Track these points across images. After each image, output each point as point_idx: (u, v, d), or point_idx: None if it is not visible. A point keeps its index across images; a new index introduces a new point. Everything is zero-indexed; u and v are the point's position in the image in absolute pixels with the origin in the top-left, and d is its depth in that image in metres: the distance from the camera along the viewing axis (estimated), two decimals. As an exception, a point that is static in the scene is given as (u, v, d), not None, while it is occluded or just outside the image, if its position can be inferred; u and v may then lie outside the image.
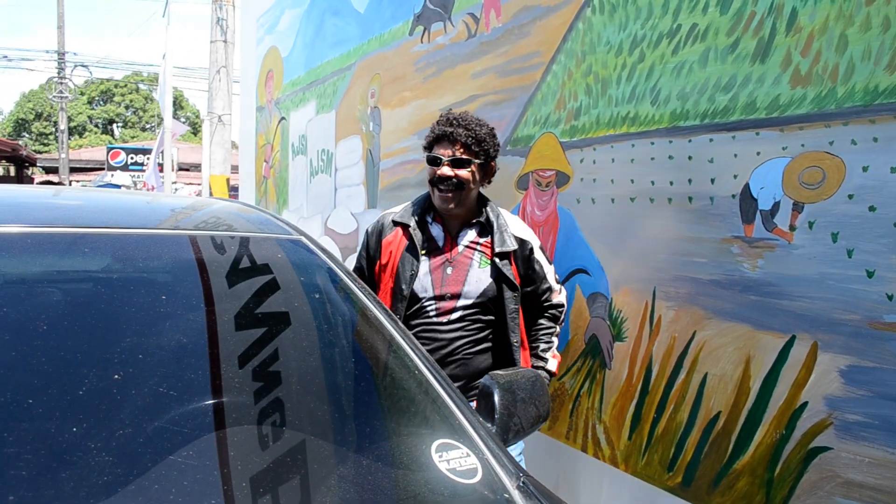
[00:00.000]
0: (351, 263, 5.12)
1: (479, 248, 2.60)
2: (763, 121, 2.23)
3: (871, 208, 1.95)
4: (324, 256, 1.91)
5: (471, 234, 2.62)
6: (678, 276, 2.52)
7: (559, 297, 2.72)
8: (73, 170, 28.93)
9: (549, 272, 2.70)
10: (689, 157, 2.48)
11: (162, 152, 13.63)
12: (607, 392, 2.85)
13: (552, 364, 2.70)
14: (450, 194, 2.54)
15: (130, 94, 48.68)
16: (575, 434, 3.00)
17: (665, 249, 2.56)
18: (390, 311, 1.79)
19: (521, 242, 2.61)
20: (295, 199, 6.09)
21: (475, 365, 2.59)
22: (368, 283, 2.68)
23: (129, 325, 1.51)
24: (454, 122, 2.57)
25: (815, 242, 2.09)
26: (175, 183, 21.28)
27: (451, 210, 2.57)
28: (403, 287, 2.56)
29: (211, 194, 11.50)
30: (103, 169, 26.32)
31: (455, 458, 1.41)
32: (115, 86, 48.35)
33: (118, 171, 24.24)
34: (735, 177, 2.32)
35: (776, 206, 2.20)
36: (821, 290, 2.07)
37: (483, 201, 2.67)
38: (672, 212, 2.55)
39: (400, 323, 1.76)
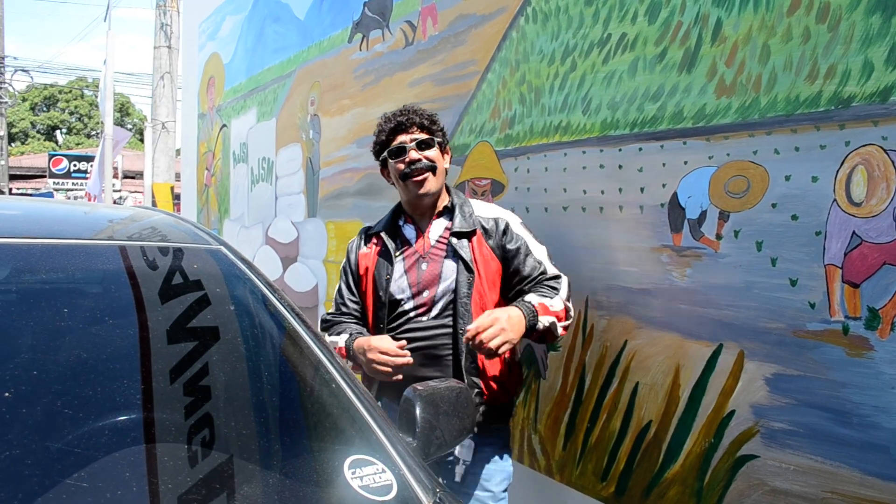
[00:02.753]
0: (293, 273, 5.07)
1: (448, 238, 2.45)
2: (690, 130, 2.24)
3: (794, 217, 1.97)
4: (243, 266, 1.85)
5: (440, 225, 2.48)
6: (610, 285, 2.52)
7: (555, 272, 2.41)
8: (13, 177, 28.14)
9: (539, 250, 2.43)
10: (620, 167, 2.48)
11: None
12: (542, 402, 2.83)
13: (542, 322, 2.25)
14: (424, 176, 2.41)
15: (75, 100, 47.62)
16: (511, 444, 2.97)
17: (597, 259, 2.56)
18: (308, 322, 1.74)
19: (495, 221, 2.43)
20: (236, 208, 5.99)
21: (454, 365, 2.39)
22: (360, 301, 2.58)
23: (27, 338, 1.44)
24: (401, 112, 2.48)
25: (741, 251, 2.10)
26: (119, 191, 20.85)
27: (428, 197, 2.44)
28: (381, 293, 2.46)
29: (154, 203, 11.28)
30: (45, 176, 25.70)
31: (369, 473, 1.36)
32: (59, 91, 47.27)
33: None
34: (663, 186, 2.32)
35: (703, 214, 2.21)
36: (746, 299, 2.08)
37: (447, 189, 2.55)
38: (603, 221, 2.55)
39: (319, 334, 1.71)
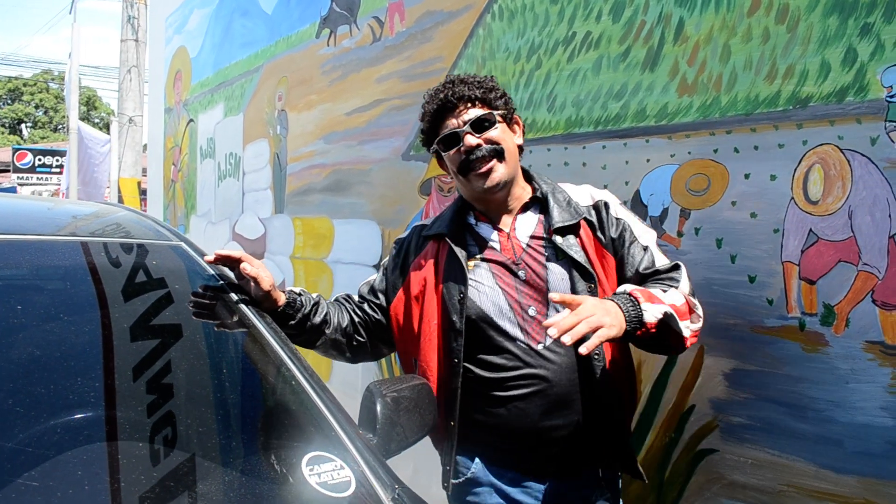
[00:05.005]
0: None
1: (546, 235, 1.92)
2: (652, 128, 2.27)
3: (753, 215, 2.00)
4: (203, 263, 1.84)
5: (529, 220, 1.96)
6: (574, 281, 2.53)
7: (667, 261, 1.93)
8: (-24, 172, 27.64)
9: (647, 236, 1.94)
10: (584, 164, 2.49)
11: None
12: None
13: (651, 312, 1.70)
14: (490, 164, 1.87)
15: (40, 93, 46.82)
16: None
17: (561, 255, 2.57)
18: (268, 318, 1.72)
19: (594, 204, 1.96)
20: (203, 204, 5.93)
21: (604, 402, 1.86)
22: (383, 330, 2.08)
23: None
24: (444, 86, 1.95)
25: (701, 248, 2.13)
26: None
27: (499, 189, 1.91)
28: (455, 319, 1.88)
29: (120, 199, 11.14)
30: (8, 171, 25.22)
31: (327, 470, 1.36)
32: (24, 84, 46.44)
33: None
34: (626, 183, 2.34)
35: (665, 212, 2.23)
36: (707, 295, 2.10)
37: (527, 175, 2.03)
38: (568, 218, 2.56)
39: (279, 330, 1.71)
